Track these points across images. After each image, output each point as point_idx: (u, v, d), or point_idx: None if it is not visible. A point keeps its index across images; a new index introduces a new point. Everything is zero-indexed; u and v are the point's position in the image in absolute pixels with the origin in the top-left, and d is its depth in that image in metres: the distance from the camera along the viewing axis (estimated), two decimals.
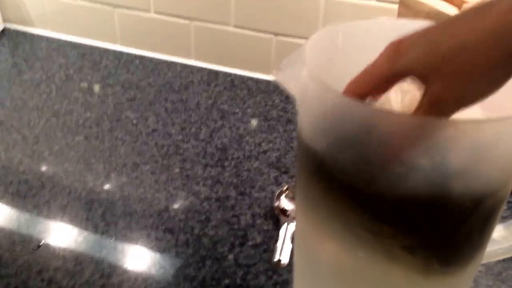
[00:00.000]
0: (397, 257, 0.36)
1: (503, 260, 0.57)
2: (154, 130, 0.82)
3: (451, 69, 0.29)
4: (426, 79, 0.31)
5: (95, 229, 0.61)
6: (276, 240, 0.60)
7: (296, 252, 0.46)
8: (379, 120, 0.32)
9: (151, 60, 1.06)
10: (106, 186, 0.68)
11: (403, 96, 0.34)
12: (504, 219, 0.64)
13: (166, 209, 0.65)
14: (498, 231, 0.43)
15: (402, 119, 0.32)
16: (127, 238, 0.60)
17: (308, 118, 0.36)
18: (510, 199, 0.67)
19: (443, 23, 0.31)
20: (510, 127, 0.31)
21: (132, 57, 1.07)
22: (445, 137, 0.31)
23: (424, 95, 0.31)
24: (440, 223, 0.34)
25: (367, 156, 0.32)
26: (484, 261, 0.45)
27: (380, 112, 0.32)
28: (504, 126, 0.31)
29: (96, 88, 0.95)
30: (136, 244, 0.59)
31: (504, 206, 0.37)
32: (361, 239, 0.36)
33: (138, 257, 0.57)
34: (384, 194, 0.33)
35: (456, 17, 0.31)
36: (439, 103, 0.30)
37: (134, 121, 0.84)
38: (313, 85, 0.33)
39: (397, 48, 0.32)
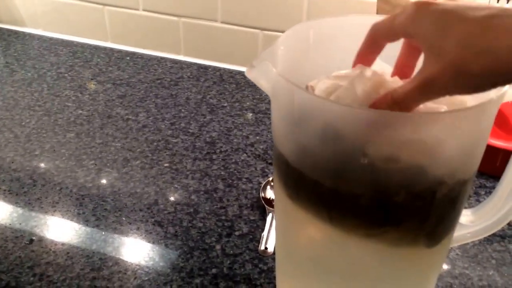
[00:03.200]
0: (368, 244, 0.38)
1: (479, 243, 0.59)
2: (144, 126, 0.84)
3: (477, 65, 0.28)
4: (432, 54, 0.31)
5: (86, 223, 0.63)
6: (262, 230, 0.62)
7: (277, 240, 0.48)
8: (341, 115, 0.33)
9: (141, 56, 1.08)
10: (97, 182, 0.70)
11: (366, 82, 0.36)
12: (471, 205, 0.66)
13: (156, 202, 0.67)
14: (467, 216, 0.45)
15: (364, 114, 0.33)
16: (117, 231, 0.62)
17: (278, 114, 0.38)
18: (479, 188, 0.69)
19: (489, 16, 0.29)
20: (465, 118, 0.33)
21: (122, 54, 1.09)
22: (405, 129, 0.32)
23: (422, 71, 0.31)
24: (408, 209, 0.35)
25: (332, 151, 0.34)
26: (454, 244, 0.47)
27: (342, 107, 0.33)
28: (460, 117, 0.33)
29: (95, 86, 0.96)
30: (126, 237, 0.61)
31: (469, 191, 0.38)
32: (335, 230, 0.38)
33: (128, 250, 0.59)
34: (349, 187, 0.34)
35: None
36: (433, 85, 0.30)
37: (125, 118, 0.86)
38: (282, 82, 0.35)
39: (422, 8, 0.32)
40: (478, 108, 0.32)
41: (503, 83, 0.29)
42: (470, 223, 0.44)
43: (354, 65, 0.39)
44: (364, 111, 0.33)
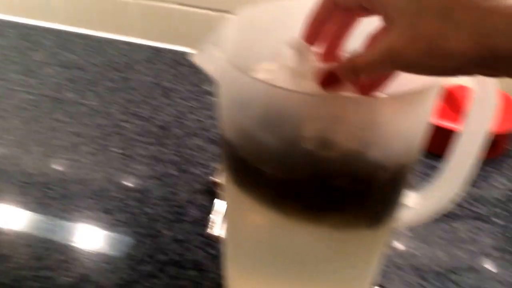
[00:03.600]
0: (312, 228, 0.37)
1: (428, 223, 0.60)
2: (95, 110, 0.82)
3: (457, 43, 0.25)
4: (401, 22, 0.27)
5: (32, 212, 0.61)
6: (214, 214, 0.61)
7: (227, 225, 0.48)
8: (280, 98, 0.32)
9: (93, 38, 1.05)
10: (44, 169, 0.68)
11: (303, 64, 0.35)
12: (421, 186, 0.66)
13: (105, 189, 0.65)
14: (412, 199, 0.45)
15: (304, 97, 0.32)
16: (64, 220, 0.60)
17: (223, 99, 0.37)
18: (430, 169, 0.70)
19: None
20: (408, 103, 0.33)
21: (73, 36, 1.06)
22: (343, 113, 0.32)
23: (385, 39, 0.28)
24: (349, 193, 0.35)
25: (273, 136, 0.33)
26: (400, 226, 0.47)
27: (280, 91, 0.32)
28: (403, 102, 0.32)
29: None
30: (73, 225, 0.60)
31: (412, 174, 0.38)
32: (279, 215, 0.37)
33: (74, 239, 0.58)
34: (290, 173, 0.34)
35: None
36: (399, 58, 0.28)
37: (75, 102, 0.84)
38: (226, 66, 0.34)
39: None
40: (418, 93, 0.32)
41: (486, 70, 0.27)
42: (416, 205, 0.44)
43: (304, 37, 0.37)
44: (300, 94, 0.33)
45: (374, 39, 0.34)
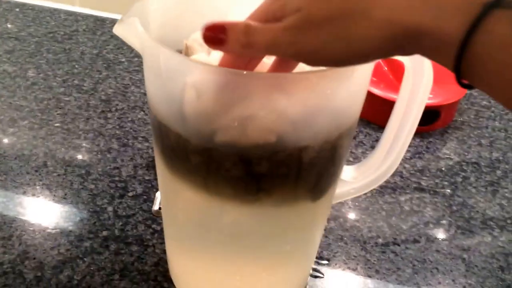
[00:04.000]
0: (248, 208, 0.37)
1: (371, 195, 0.61)
2: (33, 84, 0.79)
3: (340, 30, 0.26)
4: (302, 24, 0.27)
5: None
6: (157, 190, 0.61)
7: (161, 200, 0.47)
8: (205, 75, 0.32)
9: (32, 8, 1.01)
10: None
11: None
12: (352, 162, 0.67)
13: (44, 165, 0.63)
14: (349, 173, 0.45)
15: (227, 74, 0.31)
16: (3, 196, 0.58)
17: (148, 74, 0.36)
18: (376, 141, 0.71)
19: None
20: (346, 76, 0.32)
21: (11, 5, 1.01)
22: (278, 89, 0.31)
23: (298, 11, 0.27)
24: (276, 176, 0.35)
25: (197, 112, 0.33)
26: (338, 200, 0.47)
27: (209, 68, 0.32)
28: (341, 75, 0.32)
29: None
30: (11, 202, 0.58)
31: (346, 149, 0.39)
32: (211, 188, 0.36)
33: (12, 215, 0.56)
34: (216, 156, 0.33)
35: None
36: (310, 31, 0.27)
37: (13, 75, 0.81)
38: (148, 40, 0.33)
39: None
40: (341, 70, 0.31)
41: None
42: (353, 179, 0.45)
43: None
44: (218, 69, 0.32)
45: None
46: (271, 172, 0.34)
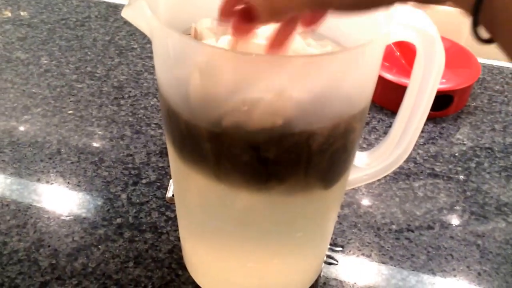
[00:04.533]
0: (259, 196, 0.37)
1: (385, 181, 0.61)
2: (46, 71, 0.79)
3: None
4: None
5: None
6: (170, 177, 0.61)
7: (174, 187, 0.47)
8: (217, 58, 0.31)
9: None
10: None
11: None
12: (366, 148, 0.67)
13: (58, 152, 0.64)
14: (362, 159, 0.45)
15: (240, 57, 0.31)
16: (15, 184, 0.59)
17: (157, 57, 0.36)
18: (389, 127, 0.70)
19: None
20: (355, 59, 0.32)
21: None
22: (289, 72, 0.31)
23: None
24: (286, 163, 0.34)
25: (208, 95, 0.32)
26: (351, 187, 0.47)
27: (217, 51, 0.31)
28: (349, 57, 0.31)
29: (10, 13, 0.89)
30: (26, 189, 0.58)
31: (358, 135, 0.38)
32: (222, 175, 0.36)
33: (27, 203, 0.57)
34: (227, 143, 0.33)
35: None
36: None
37: (26, 62, 0.81)
38: (157, 24, 0.32)
39: None
40: (355, 50, 0.31)
41: None
42: (366, 165, 0.45)
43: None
44: (226, 52, 0.31)
45: None
46: (280, 158, 0.33)
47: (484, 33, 0.24)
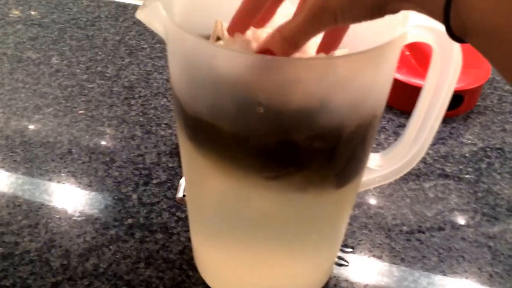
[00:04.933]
0: (274, 191, 0.37)
1: (395, 182, 0.61)
2: (57, 71, 0.79)
3: None
4: None
5: None
6: (181, 177, 0.61)
7: (186, 188, 0.47)
8: (233, 61, 0.31)
9: None
10: (6, 132, 0.67)
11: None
12: (376, 148, 0.67)
13: (69, 152, 0.64)
14: (375, 161, 0.45)
15: (255, 59, 0.31)
16: (27, 184, 0.59)
17: (172, 60, 0.36)
18: (399, 127, 0.70)
19: None
20: (366, 61, 0.32)
21: None
22: (294, 75, 0.31)
23: (308, 2, 0.29)
24: (310, 151, 0.34)
25: (226, 98, 0.32)
26: (364, 188, 0.47)
27: (234, 54, 0.31)
28: (361, 60, 0.32)
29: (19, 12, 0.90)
30: (37, 189, 0.59)
31: (375, 132, 0.38)
32: (237, 175, 0.36)
33: (38, 203, 0.57)
34: (247, 134, 0.33)
35: None
36: (324, 12, 0.28)
37: (36, 62, 0.81)
38: (172, 26, 0.32)
39: None
40: (375, 51, 0.31)
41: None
42: (379, 167, 0.44)
43: (231, 31, 0.37)
44: (249, 56, 0.31)
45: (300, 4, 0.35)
46: (307, 143, 0.33)
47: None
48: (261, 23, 0.38)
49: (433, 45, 0.37)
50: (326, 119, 0.32)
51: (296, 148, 0.34)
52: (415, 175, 0.63)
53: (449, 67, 0.37)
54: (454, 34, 0.25)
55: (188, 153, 0.39)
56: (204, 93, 0.33)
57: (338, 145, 0.34)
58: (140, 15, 0.34)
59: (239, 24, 0.37)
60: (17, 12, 0.94)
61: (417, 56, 0.76)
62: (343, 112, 0.33)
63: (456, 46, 0.36)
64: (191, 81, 0.34)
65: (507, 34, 0.22)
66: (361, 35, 0.38)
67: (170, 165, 0.63)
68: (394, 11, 0.28)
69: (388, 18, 0.29)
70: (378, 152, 0.46)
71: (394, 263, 0.52)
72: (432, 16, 0.26)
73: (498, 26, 0.22)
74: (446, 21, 0.24)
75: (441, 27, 0.35)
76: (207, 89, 0.33)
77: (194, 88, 0.34)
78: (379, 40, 0.32)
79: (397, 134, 0.70)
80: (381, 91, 0.35)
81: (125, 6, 0.99)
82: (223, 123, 0.33)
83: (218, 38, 0.37)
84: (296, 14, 0.30)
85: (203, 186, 0.41)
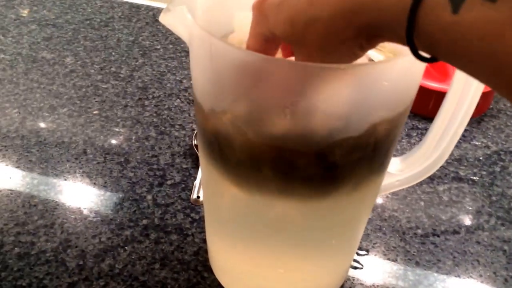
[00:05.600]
0: (294, 200, 0.37)
1: (409, 186, 0.60)
2: (72, 71, 0.80)
3: (309, 40, 0.28)
4: (292, 46, 0.30)
5: (9, 176, 0.60)
6: (195, 178, 0.61)
7: (203, 192, 0.47)
8: (263, 67, 0.31)
9: None
10: (21, 132, 0.67)
11: None
12: (403, 147, 0.67)
13: (84, 152, 0.64)
14: (395, 165, 0.45)
15: (285, 65, 0.31)
16: (43, 184, 0.59)
17: (196, 63, 0.36)
18: (412, 129, 0.70)
19: None
20: (392, 68, 0.32)
21: None
22: (331, 81, 0.31)
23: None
24: (336, 160, 0.34)
25: (254, 104, 0.32)
26: (383, 193, 0.47)
27: (262, 59, 0.31)
28: (387, 67, 0.32)
29: (29, 11, 0.91)
30: (52, 189, 0.59)
31: (397, 138, 0.38)
32: (257, 182, 0.36)
33: (54, 203, 0.57)
34: (270, 141, 0.33)
35: None
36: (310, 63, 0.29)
37: (51, 62, 0.82)
38: (198, 30, 0.32)
39: (259, 9, 0.31)
40: (405, 58, 0.31)
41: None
42: (399, 171, 0.44)
43: None
44: (287, 62, 0.32)
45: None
46: (335, 150, 0.33)
47: (426, 54, 0.25)
48: None
49: None
50: (353, 124, 0.32)
51: (324, 156, 0.34)
52: (429, 178, 0.63)
53: None
54: (419, 55, 0.25)
55: (206, 160, 0.39)
56: (231, 99, 0.33)
57: (365, 149, 0.34)
58: (163, 19, 0.34)
59: None
60: (25, 12, 0.95)
61: None
62: (369, 117, 0.33)
63: None
64: (217, 85, 0.34)
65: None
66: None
67: (184, 166, 0.63)
68: (369, 46, 0.28)
69: None
70: (394, 156, 0.46)
71: (409, 267, 0.52)
72: (396, 41, 0.26)
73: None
74: (410, 43, 0.24)
75: None
76: (233, 95, 0.33)
77: (220, 94, 0.34)
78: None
79: (409, 137, 0.70)
80: (408, 96, 0.35)
81: (138, 7, 1.00)
82: (250, 131, 0.33)
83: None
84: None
85: (222, 196, 0.41)
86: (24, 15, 0.94)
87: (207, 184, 0.43)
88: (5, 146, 0.65)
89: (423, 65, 0.34)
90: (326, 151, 0.34)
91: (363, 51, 0.28)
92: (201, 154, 0.41)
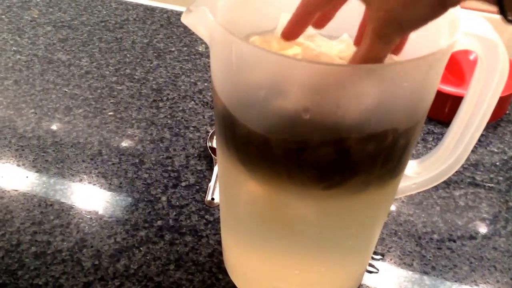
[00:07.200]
0: (312, 198, 0.37)
1: (426, 190, 0.60)
2: (87, 72, 0.80)
3: None
4: (369, 2, 0.30)
5: (26, 176, 0.60)
6: (209, 180, 0.61)
7: (220, 192, 0.47)
8: (286, 68, 0.31)
9: None
10: (37, 132, 0.67)
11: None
12: (419, 151, 0.66)
13: (99, 153, 0.65)
14: (412, 168, 0.44)
15: (307, 67, 0.31)
16: (59, 184, 0.60)
17: (217, 64, 0.36)
18: (427, 134, 0.70)
19: None
20: (412, 69, 0.32)
21: None
22: (348, 82, 0.31)
23: (370, 22, 0.30)
24: (356, 159, 0.34)
25: (273, 105, 0.32)
26: (400, 195, 0.47)
27: (285, 60, 0.31)
28: (407, 68, 0.31)
29: (39, 12, 0.91)
30: (68, 189, 0.59)
31: (415, 140, 0.38)
32: (277, 182, 0.36)
33: (70, 203, 0.57)
34: (293, 139, 0.33)
35: None
36: (386, 27, 0.29)
37: (67, 63, 0.82)
38: (220, 30, 0.32)
39: None
40: (426, 58, 0.31)
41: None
42: (416, 174, 0.44)
43: (285, 37, 0.38)
44: (309, 63, 0.31)
45: (362, 25, 0.37)
46: (358, 149, 0.33)
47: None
48: (320, 23, 0.39)
49: (479, 54, 0.36)
50: (373, 125, 0.32)
51: (347, 156, 0.34)
52: (445, 183, 0.63)
53: (494, 74, 0.37)
54: (507, 17, 0.25)
55: (225, 159, 0.39)
56: (253, 100, 0.33)
57: (384, 150, 0.34)
58: (185, 19, 0.34)
59: (294, 30, 0.37)
60: (36, 12, 0.95)
61: (448, 62, 0.76)
62: (389, 118, 0.32)
63: (502, 52, 0.36)
64: (238, 86, 0.34)
65: None
66: (411, 43, 0.39)
67: (199, 168, 0.63)
68: (456, 2, 0.28)
69: (436, 26, 0.29)
70: (410, 159, 0.46)
71: (425, 272, 0.52)
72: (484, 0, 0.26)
73: None
74: (499, 4, 0.24)
75: (486, 33, 0.35)
76: (254, 96, 0.33)
77: (242, 94, 0.34)
78: (428, 47, 0.32)
79: (425, 141, 0.70)
80: (427, 97, 0.35)
81: (153, 9, 1.00)
82: (272, 132, 0.33)
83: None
84: (362, 40, 0.31)
85: (239, 193, 0.41)
86: (36, 15, 0.95)
87: (224, 184, 0.43)
88: (22, 146, 0.65)
89: (442, 66, 0.34)
90: (351, 152, 0.33)
91: (445, 10, 0.28)
92: (218, 151, 0.41)
